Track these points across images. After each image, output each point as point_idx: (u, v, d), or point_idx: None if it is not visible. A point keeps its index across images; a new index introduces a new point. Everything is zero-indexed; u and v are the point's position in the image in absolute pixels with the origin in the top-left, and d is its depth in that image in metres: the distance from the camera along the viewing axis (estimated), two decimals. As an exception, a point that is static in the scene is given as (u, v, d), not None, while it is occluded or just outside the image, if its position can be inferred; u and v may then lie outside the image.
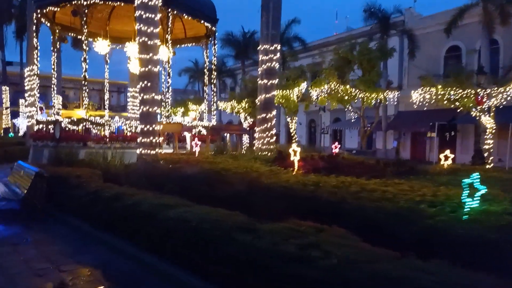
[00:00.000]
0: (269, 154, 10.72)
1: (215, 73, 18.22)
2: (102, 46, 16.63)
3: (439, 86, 14.53)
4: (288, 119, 26.39)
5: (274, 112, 11.31)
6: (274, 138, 11.29)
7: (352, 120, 24.87)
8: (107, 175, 7.98)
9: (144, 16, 9.35)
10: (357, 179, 5.05)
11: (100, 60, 16.35)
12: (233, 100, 32.43)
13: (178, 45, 19.46)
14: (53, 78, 16.97)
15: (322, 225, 3.65)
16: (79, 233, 5.98)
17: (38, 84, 15.96)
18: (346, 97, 19.49)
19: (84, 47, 14.20)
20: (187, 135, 11.86)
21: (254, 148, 11.28)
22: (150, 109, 9.51)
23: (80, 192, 6.45)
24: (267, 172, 6.21)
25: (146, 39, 9.38)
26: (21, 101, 36.67)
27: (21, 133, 34.63)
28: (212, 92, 17.96)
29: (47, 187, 6.89)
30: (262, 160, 8.31)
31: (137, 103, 21.94)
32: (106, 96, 20.70)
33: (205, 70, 20.35)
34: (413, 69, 28.24)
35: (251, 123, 30.68)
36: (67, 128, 14.60)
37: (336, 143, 11.46)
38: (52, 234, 5.98)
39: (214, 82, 18.12)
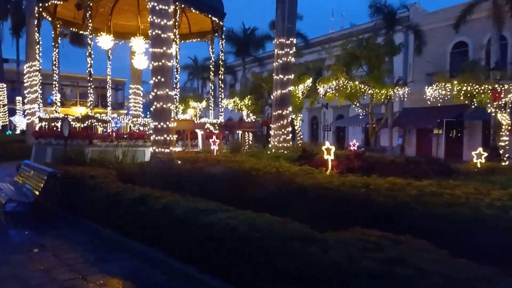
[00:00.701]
0: (286, 151, 10.30)
1: (223, 69, 17.74)
2: (105, 41, 16.11)
3: (455, 82, 14.16)
4: (293, 116, 25.97)
5: (290, 109, 10.89)
6: (290, 135, 10.86)
7: (360, 117, 24.51)
8: (120, 175, 7.53)
9: (157, 8, 8.87)
10: (405, 180, 4.64)
11: (97, 57, 15.80)
12: (236, 97, 32.01)
13: (183, 41, 18.94)
14: (54, 75, 16.41)
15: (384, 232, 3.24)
16: (98, 239, 5.54)
17: (40, 81, 15.39)
18: (357, 94, 19.07)
19: (89, 41, 13.68)
20: (199, 133, 11.42)
21: (270, 145, 10.85)
22: (164, 106, 9.05)
23: (98, 194, 5.99)
24: (300, 172, 5.78)
25: (159, 32, 8.90)
26: (18, 98, 36.00)
27: (18, 131, 33.98)
28: (220, 89, 17.50)
29: (60, 189, 6.43)
30: (285, 159, 7.88)
31: (139, 100, 21.56)
32: (109, 93, 20.19)
33: (211, 66, 19.90)
34: (418, 65, 27.91)
35: (253, 120, 30.27)
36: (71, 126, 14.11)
37: (354, 141, 11.06)
38: (70, 240, 5.53)
39: (222, 78, 17.65)
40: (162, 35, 8.93)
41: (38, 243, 5.37)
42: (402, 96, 20.48)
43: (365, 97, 19.89)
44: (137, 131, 13.89)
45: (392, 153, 24.57)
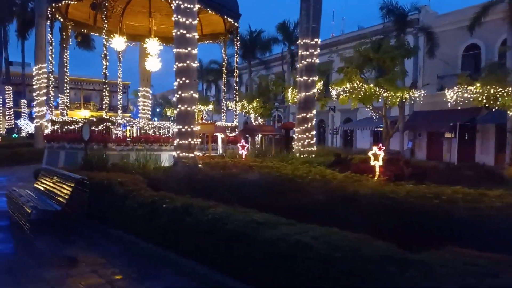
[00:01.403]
0: (311, 156, 9.95)
1: (237, 71, 17.39)
2: (118, 42, 15.77)
3: (477, 84, 13.79)
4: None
5: (314, 112, 10.53)
6: (314, 139, 10.50)
7: (374, 120, 24.14)
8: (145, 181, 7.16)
9: (182, 7, 8.53)
10: (476, 190, 4.27)
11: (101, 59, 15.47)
12: (244, 100, 31.67)
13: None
14: (65, 77, 16.08)
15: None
16: (135, 252, 5.16)
17: (52, 83, 15.02)
18: (372, 96, 18.70)
19: (104, 42, 13.34)
20: (219, 136, 11.05)
21: (294, 149, 10.49)
22: (189, 108, 8.71)
23: (131, 203, 5.62)
24: (346, 179, 5.41)
25: (184, 31, 8.57)
26: (23, 101, 35.71)
27: (23, 134, 33.63)
28: (235, 91, 17.15)
29: (88, 197, 6.06)
30: (317, 164, 7.52)
31: (148, 102, 21.21)
32: (119, 95, 19.81)
33: (224, 68, 19.57)
34: (429, 68, 27.60)
35: (261, 123, 29.94)
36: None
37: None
38: (104, 253, 5.15)
39: (237, 80, 17.30)
40: (187, 35, 8.59)
41: (70, 256, 5.00)
42: (418, 99, 20.10)
43: (379, 100, 19.52)
44: (152, 134, 13.53)
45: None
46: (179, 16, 8.54)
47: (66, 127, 13.80)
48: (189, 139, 8.71)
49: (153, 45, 14.96)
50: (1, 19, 30.66)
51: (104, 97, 13.20)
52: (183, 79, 8.60)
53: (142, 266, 4.64)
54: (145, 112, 20.31)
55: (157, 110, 57.36)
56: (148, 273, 4.42)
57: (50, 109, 14.65)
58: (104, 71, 13.24)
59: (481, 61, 25.10)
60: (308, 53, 10.25)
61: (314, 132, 10.46)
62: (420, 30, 24.64)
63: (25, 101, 36.25)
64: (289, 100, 24.32)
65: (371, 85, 18.53)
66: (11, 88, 32.69)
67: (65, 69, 16.14)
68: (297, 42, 10.52)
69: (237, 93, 17.08)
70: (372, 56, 19.61)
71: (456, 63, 26.70)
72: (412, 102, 20.46)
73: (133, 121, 13.74)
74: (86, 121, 10.50)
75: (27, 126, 34.72)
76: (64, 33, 16.29)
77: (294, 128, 10.74)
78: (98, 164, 8.49)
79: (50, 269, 4.57)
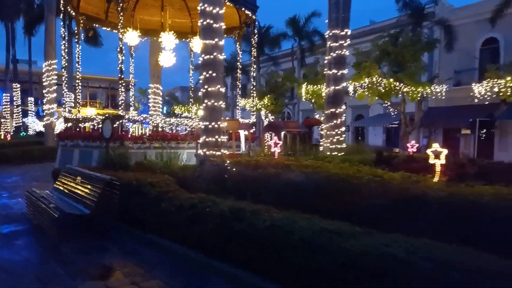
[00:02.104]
0: (340, 154, 9.42)
1: (255, 66, 16.87)
2: (132, 37, 15.26)
3: (508, 78, 13.19)
4: (317, 116, 25.06)
5: (344, 107, 10.00)
6: (344, 136, 9.97)
7: (393, 115, 23.53)
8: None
9: (209, -5, 8.01)
10: None
11: (107, 56, 15.03)
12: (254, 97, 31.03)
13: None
14: (77, 73, 15.59)
15: None
16: (176, 260, 4.66)
17: (66, 80, 14.54)
18: (392, 92, 18.09)
19: (120, 36, 12.84)
20: (242, 134, 10.54)
21: (323, 147, 9.96)
22: (216, 104, 8.20)
23: (168, 206, 5.12)
24: (405, 179, 4.88)
25: (211, 21, 8.05)
26: (30, 99, 35.35)
27: (30, 132, 33.30)
28: (252, 87, 16.62)
29: (119, 200, 5.57)
30: (357, 162, 6.99)
31: (158, 99, 20.75)
32: (131, 92, 19.35)
33: (238, 63, 19.09)
34: (445, 62, 26.93)
35: (272, 120, 29.36)
36: (95, 127, 13.28)
37: (413, 142, 10.15)
38: (141, 261, 4.65)
39: (254, 75, 16.78)
40: (214, 25, 8.08)
41: (105, 265, 4.51)
42: (440, 94, 19.48)
43: (399, 95, 18.91)
44: (169, 132, 13.05)
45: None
46: (205, 5, 8.02)
47: (80, 125, 13.35)
48: (216, 136, 8.21)
49: (168, 39, 14.43)
50: (8, 15, 30.25)
51: (120, 93, 12.69)
52: (210, 72, 8.09)
53: (188, 277, 4.14)
54: (156, 110, 19.87)
55: (165, 108, 56.94)
56: (197, 285, 3.92)
57: (64, 106, 14.17)
58: (120, 65, 12.74)
59: (500, 55, 24.43)
60: (337, 44, 9.71)
61: (343, 129, 9.93)
62: (437, 23, 23.95)
63: (32, 99, 35.89)
64: (302, 97, 23.70)
65: (391, 80, 17.91)
66: (18, 86, 32.29)
67: (77, 65, 15.65)
68: (325, 34, 9.98)
69: (254, 88, 16.52)
70: (391, 50, 19.00)
71: (473, 57, 26.02)
72: (433, 97, 19.80)
73: (150, 118, 13.26)
74: (107, 117, 10.01)
75: (35, 124, 34.40)
76: (76, 28, 15.81)
77: (322, 125, 10.21)
78: (121, 163, 8.00)
79: (85, 280, 4.09)
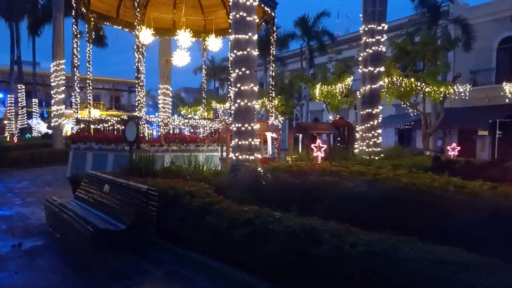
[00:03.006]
0: (377, 157, 8.75)
1: (273, 65, 16.21)
2: (145, 35, 14.57)
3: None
4: (330, 117, 24.41)
5: (380, 107, 9.32)
6: (380, 138, 9.29)
7: (412, 117, 22.86)
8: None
9: (241, -15, 7.35)
10: None
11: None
12: (264, 98, 30.43)
13: (221, 36, 17.42)
14: (88, 73, 14.98)
15: None
16: (232, 287, 3.98)
17: (78, 80, 13.88)
18: (413, 92, 17.44)
19: (137, 32, 12.22)
20: (268, 136, 9.87)
21: (358, 150, 9.28)
22: (249, 103, 7.52)
23: (215, 221, 4.45)
24: (496, 192, 4.20)
25: (244, 13, 7.38)
26: (34, 100, 34.72)
27: (34, 134, 32.64)
28: (271, 87, 15.96)
29: (156, 212, 4.90)
30: (411, 167, 6.31)
31: (168, 100, 20.09)
32: (142, 93, 18.68)
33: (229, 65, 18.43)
34: (460, 62, 26.27)
35: (282, 121, 28.73)
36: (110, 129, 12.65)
37: (454, 144, 9.47)
38: (191, 286, 3.98)
39: (273, 75, 16.11)
40: (248, 18, 7.41)
41: (149, 291, 3.84)
42: (463, 94, 18.80)
43: (421, 95, 18.25)
44: (188, 134, 12.39)
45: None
46: (238, -4, 7.35)
47: (93, 126, 12.70)
48: (250, 139, 7.54)
49: (185, 37, 13.77)
50: (13, 16, 29.62)
51: (137, 93, 12.04)
52: (243, 69, 7.42)
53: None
54: (166, 111, 19.23)
55: (234, 106, 56.31)
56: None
57: (76, 107, 13.54)
58: (136, 64, 12.11)
59: (518, 55, 23.78)
60: (374, 40, 9.04)
61: (380, 131, 9.26)
62: (454, 22, 23.27)
63: (36, 101, 35.28)
64: (316, 97, 23.05)
65: (412, 79, 17.25)
66: (23, 87, 31.63)
67: (88, 64, 15.01)
68: (360, 29, 9.32)
69: (273, 88, 15.85)
70: (410, 49, 18.34)
71: (490, 57, 25.37)
72: (454, 97, 19.13)
73: (167, 119, 12.61)
74: (130, 119, 9.34)
75: (39, 126, 33.76)
76: (86, 26, 15.18)
77: (357, 126, 9.54)
78: (148, 168, 7.33)
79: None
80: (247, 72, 7.45)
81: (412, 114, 21.58)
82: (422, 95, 18.55)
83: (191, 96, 51.10)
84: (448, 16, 25.75)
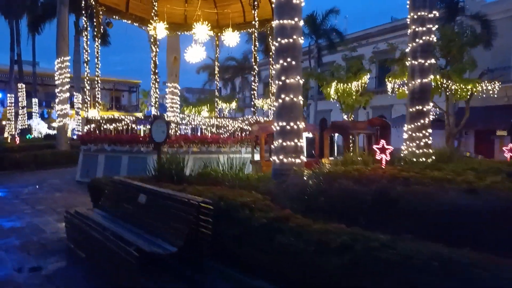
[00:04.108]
0: (428, 159, 7.82)
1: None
2: (159, 29, 13.64)
3: None
4: (345, 117, 23.49)
5: (431, 104, 8.41)
6: (431, 139, 8.36)
7: (436, 115, 21.98)
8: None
9: (287, -36, 6.42)
10: None
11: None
12: (273, 97, 29.41)
13: (236, 31, 16.48)
14: (96, 70, 13.98)
15: None
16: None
17: (88, 77, 12.91)
18: (439, 89, 16.57)
19: (154, 24, 11.28)
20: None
21: (405, 152, 8.36)
22: (295, 99, 6.59)
23: (294, 243, 3.51)
24: None
25: (290, -4, 6.45)
26: (34, 100, 33.65)
27: (35, 134, 31.58)
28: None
29: (211, 229, 3.95)
30: (482, 173, 5.39)
31: (176, 99, 19.12)
32: (154, 93, 17.68)
33: (270, 59, 17.49)
34: (478, 60, 25.45)
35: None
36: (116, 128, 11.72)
37: (510, 145, 8.54)
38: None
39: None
40: (294, 1, 6.48)
41: None
42: (492, 92, 17.90)
43: (445, 93, 17.37)
44: (209, 134, 11.44)
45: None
46: (282, -23, 6.42)
47: (105, 126, 11.73)
48: (296, 140, 6.60)
49: (202, 31, 12.81)
50: (13, 13, 28.62)
51: (154, 91, 11.08)
52: (288, 60, 6.48)
53: None
54: (174, 110, 18.28)
55: (276, 103, 55.34)
56: None
57: (86, 106, 12.57)
58: (153, 58, 11.16)
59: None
60: (424, 29, 8.12)
61: (430, 130, 8.34)
62: (472, 18, 22.41)
63: (36, 101, 34.23)
64: (331, 96, 22.12)
65: (438, 77, 16.36)
66: (24, 86, 30.59)
67: (96, 60, 14.02)
68: (407, 17, 8.40)
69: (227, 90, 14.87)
70: (433, 44, 17.43)
71: (508, 54, 24.52)
72: (484, 95, 18.23)
73: (188, 118, 11.66)
74: (158, 117, 8.38)
75: (40, 127, 32.72)
76: (95, 20, 14.19)
77: (405, 125, 8.61)
78: (180, 173, 6.38)
79: None
80: (293, 62, 6.52)
81: (434, 114, 20.64)
82: (446, 93, 17.65)
83: (194, 96, 50.07)
84: (464, 12, 24.95)
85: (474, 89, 16.70)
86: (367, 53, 26.36)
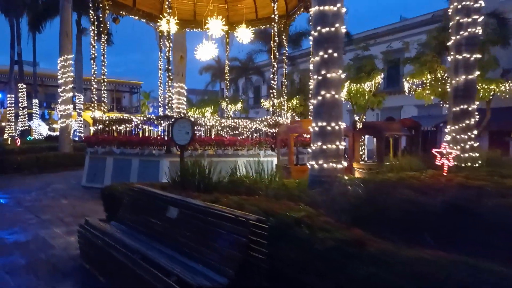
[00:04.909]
0: (475, 164, 7.07)
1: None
2: (167, 25, 12.88)
3: None
4: (356, 118, 22.71)
5: (477, 103, 7.65)
6: (477, 141, 7.61)
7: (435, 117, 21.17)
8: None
9: None
10: None
11: (111, 60, 12.75)
12: (281, 98, 28.66)
13: (249, 27, 15.72)
14: (102, 68, 13.22)
15: None
16: None
17: (94, 77, 12.15)
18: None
19: (168, 18, 10.52)
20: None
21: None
22: (337, 95, 5.84)
23: (378, 273, 2.74)
24: None
25: (331, -21, 5.70)
26: (34, 101, 32.83)
27: (35, 136, 30.76)
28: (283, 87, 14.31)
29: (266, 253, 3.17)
30: None
31: (183, 100, 18.37)
32: (160, 91, 16.92)
33: (284, 57, 16.78)
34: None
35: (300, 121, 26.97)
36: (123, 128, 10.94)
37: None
38: None
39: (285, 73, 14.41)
40: (336, -15, 5.73)
41: None
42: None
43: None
44: (226, 135, 10.66)
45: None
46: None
47: (113, 127, 10.96)
48: (337, 143, 5.84)
49: (216, 26, 12.04)
50: (13, 10, 27.84)
51: (168, 88, 10.32)
52: (329, 51, 5.72)
53: None
54: (180, 111, 17.53)
55: (315, 100, 54.66)
56: None
57: (93, 106, 11.81)
58: (167, 54, 10.41)
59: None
60: (469, 20, 7.39)
61: (476, 132, 7.59)
62: (489, 16, 21.67)
63: (37, 101, 33.41)
64: (343, 96, 21.32)
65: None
66: (24, 86, 29.77)
67: (102, 58, 13.25)
68: (450, 7, 7.68)
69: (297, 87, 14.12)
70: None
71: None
72: (507, 95, 17.48)
73: (204, 119, 10.89)
74: (181, 117, 7.61)
75: (40, 128, 31.88)
76: (101, 15, 13.42)
77: (448, 126, 7.84)
78: (206, 180, 5.60)
79: None
80: (335, 54, 5.76)
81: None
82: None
83: (196, 97, 49.30)
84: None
85: (497, 89, 15.93)
86: (375, 53, 25.68)
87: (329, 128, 5.79)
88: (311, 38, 6.04)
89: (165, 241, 3.88)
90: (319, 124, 5.86)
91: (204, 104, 40.07)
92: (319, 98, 5.85)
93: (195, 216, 3.70)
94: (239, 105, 35.53)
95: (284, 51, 16.54)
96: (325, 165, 5.79)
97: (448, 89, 15.02)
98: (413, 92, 17.70)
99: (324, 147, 5.80)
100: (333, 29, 5.74)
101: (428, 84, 16.20)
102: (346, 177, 5.64)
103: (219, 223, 3.37)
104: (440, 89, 16.41)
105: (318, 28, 5.81)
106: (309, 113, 28.70)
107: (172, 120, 7.36)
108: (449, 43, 8.18)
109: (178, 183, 5.85)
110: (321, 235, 3.37)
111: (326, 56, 5.75)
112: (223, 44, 17.81)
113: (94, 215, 7.24)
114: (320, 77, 5.82)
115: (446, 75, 15.98)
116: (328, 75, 5.76)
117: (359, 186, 5.16)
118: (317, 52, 5.85)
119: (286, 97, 14.13)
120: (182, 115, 12.44)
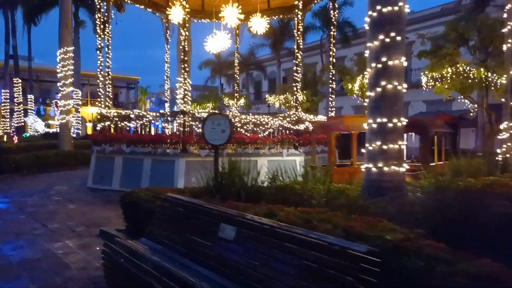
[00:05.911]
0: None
1: (333, 56, 13.73)
2: (177, 13, 11.94)
3: None
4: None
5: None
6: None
7: (471, 113, 20.40)
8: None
9: None
10: None
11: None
12: (287, 93, 27.87)
13: (266, 16, 14.82)
14: (107, 60, 12.33)
15: None
16: None
17: (102, 63, 11.23)
18: (482, 84, 15.05)
19: (184, 3, 9.61)
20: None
21: (507, 155, 6.79)
22: (399, 87, 4.98)
23: None
24: None
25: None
26: (30, 97, 31.67)
27: (31, 132, 29.68)
28: (330, 82, 13.53)
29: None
30: None
31: (188, 96, 17.45)
32: (166, 86, 16.03)
33: (299, 50, 15.85)
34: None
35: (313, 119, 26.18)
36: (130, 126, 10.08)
37: None
38: None
39: (334, 61, 13.66)
40: (400, -42, 4.86)
41: None
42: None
43: (487, 88, 15.86)
44: (247, 133, 9.80)
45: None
46: None
47: (122, 124, 10.07)
48: (399, 142, 5.00)
49: (232, 13, 11.11)
50: (7, 1, 26.65)
51: (183, 82, 9.44)
52: (392, 34, 4.86)
53: None
54: (184, 107, 16.58)
55: (175, 107, 53.63)
56: None
57: (102, 103, 10.92)
58: (183, 43, 9.53)
59: None
60: (531, 3, 6.57)
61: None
62: (501, 8, 20.90)
63: (32, 97, 32.26)
64: (354, 92, 20.53)
65: (482, 70, 14.85)
66: (20, 81, 28.63)
67: (106, 49, 12.32)
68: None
69: (333, 81, 13.34)
70: (470, 35, 15.95)
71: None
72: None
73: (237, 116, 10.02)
74: (216, 113, 6.71)
75: (36, 124, 30.81)
76: (105, 4, 12.44)
77: (505, 122, 7.02)
78: (247, 187, 4.74)
79: None
80: (398, 38, 4.90)
81: (472, 112, 19.19)
82: (487, 89, 16.13)
83: (197, 93, 48.29)
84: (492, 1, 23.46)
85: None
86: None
87: (390, 125, 4.94)
88: (366, 19, 5.16)
89: (223, 269, 3.02)
90: (378, 120, 5.01)
91: (205, 99, 39.09)
92: (378, 89, 4.99)
93: (262, 239, 2.84)
94: (242, 101, 34.60)
95: (299, 43, 15.64)
96: (385, 169, 4.94)
97: (477, 82, 14.29)
98: (430, 87, 16.88)
99: (385, 147, 4.96)
100: (396, 8, 4.87)
101: (449, 78, 15.39)
102: (422, 184, 4.81)
103: (304, 253, 2.51)
104: (460, 84, 15.63)
105: (378, 7, 4.94)
106: (317, 110, 27.72)
107: (204, 116, 6.48)
108: (504, 30, 7.35)
109: (210, 189, 4.98)
110: (442, 270, 2.54)
111: (387, 40, 4.88)
112: (233, 36, 16.89)
113: (108, 223, 6.41)
114: (379, 65, 4.96)
115: (468, 68, 15.20)
116: (390, 63, 4.90)
117: (436, 195, 4.34)
118: (375, 36, 4.98)
119: (299, 92, 13.19)
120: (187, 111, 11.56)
